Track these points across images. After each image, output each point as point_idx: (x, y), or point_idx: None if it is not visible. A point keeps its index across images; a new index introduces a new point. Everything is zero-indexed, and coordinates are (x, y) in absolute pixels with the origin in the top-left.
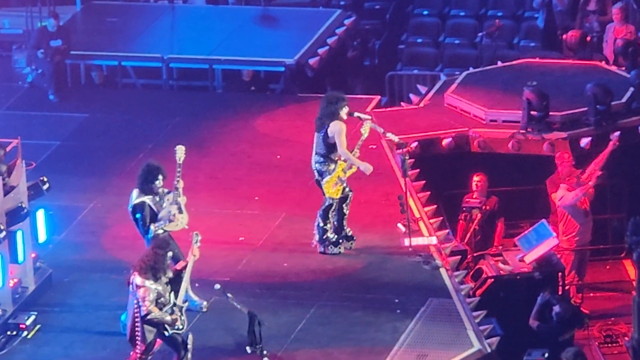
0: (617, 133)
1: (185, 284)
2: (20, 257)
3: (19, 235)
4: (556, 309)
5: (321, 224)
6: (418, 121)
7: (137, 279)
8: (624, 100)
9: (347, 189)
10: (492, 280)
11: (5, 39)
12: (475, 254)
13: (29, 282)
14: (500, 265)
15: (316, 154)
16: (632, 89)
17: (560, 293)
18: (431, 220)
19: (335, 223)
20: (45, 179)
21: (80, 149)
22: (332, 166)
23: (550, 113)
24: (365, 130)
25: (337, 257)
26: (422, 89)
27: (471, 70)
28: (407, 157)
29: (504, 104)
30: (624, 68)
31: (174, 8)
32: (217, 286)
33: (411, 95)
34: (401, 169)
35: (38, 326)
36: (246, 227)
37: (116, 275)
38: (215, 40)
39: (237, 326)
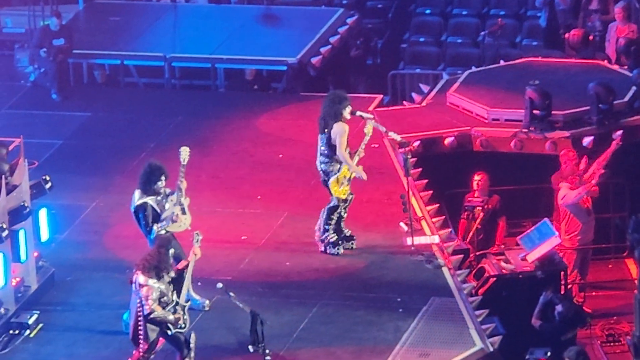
0: (620, 132)
1: (187, 282)
2: (23, 256)
3: (21, 234)
4: (558, 308)
5: (324, 223)
6: (420, 120)
7: (140, 278)
8: (626, 99)
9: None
10: (495, 279)
11: (7, 38)
12: (477, 253)
13: (32, 281)
14: (503, 264)
15: (321, 154)
16: (634, 87)
17: (562, 292)
18: (433, 219)
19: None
20: (48, 178)
21: (82, 148)
22: (337, 166)
23: (553, 112)
24: (368, 130)
25: (339, 256)
26: (425, 88)
27: (473, 69)
28: (409, 156)
29: (507, 103)
30: (626, 67)
31: (177, 7)
32: (220, 285)
33: (413, 94)
34: (403, 168)
35: (40, 325)
36: (248, 226)
37: (119, 274)
38: (217, 39)
39: (239, 325)
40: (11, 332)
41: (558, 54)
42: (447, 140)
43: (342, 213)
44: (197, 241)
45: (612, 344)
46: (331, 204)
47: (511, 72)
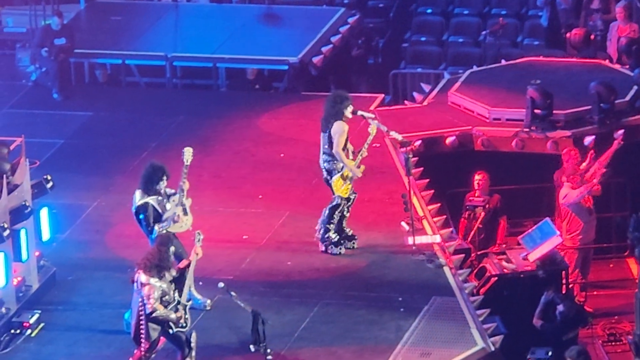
0: (621, 131)
1: (188, 282)
2: (24, 256)
3: (22, 233)
4: (560, 308)
5: (325, 222)
6: (422, 119)
7: (141, 277)
8: (627, 98)
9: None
10: (496, 278)
11: (9, 38)
12: (478, 253)
13: (33, 281)
14: (504, 263)
15: (323, 153)
16: (635, 87)
17: (564, 292)
18: (435, 219)
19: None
20: (49, 178)
21: (84, 148)
22: (341, 165)
23: (554, 111)
24: (372, 130)
25: (340, 255)
26: (426, 87)
27: (475, 68)
28: (410, 156)
29: (508, 102)
30: (627, 66)
31: (178, 6)
32: (221, 284)
33: (415, 94)
34: (405, 168)
35: (42, 324)
36: (250, 226)
37: (120, 274)
38: (219, 38)
39: (240, 324)
40: (12, 331)
41: (559, 53)
42: (449, 140)
43: (345, 212)
44: (199, 240)
45: (613, 343)
46: (333, 203)
47: (512, 71)
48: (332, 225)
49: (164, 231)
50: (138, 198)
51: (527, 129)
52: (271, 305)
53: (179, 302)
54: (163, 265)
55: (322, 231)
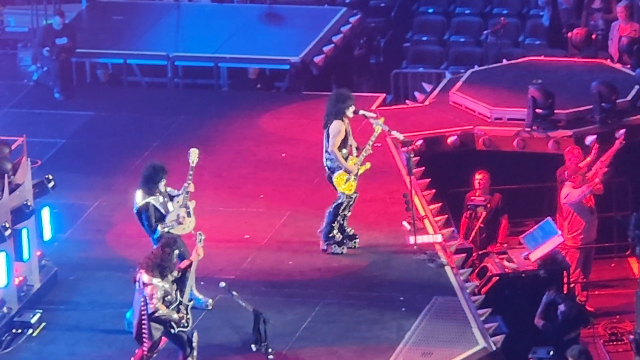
0: (623, 131)
1: (190, 282)
2: (26, 255)
3: (24, 233)
4: (561, 307)
5: (329, 221)
6: (423, 119)
7: (144, 277)
8: (629, 98)
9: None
10: (497, 278)
11: (10, 37)
12: (480, 252)
13: (34, 280)
14: (506, 263)
15: (326, 151)
16: (637, 86)
17: (565, 291)
18: (436, 218)
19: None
20: (51, 177)
21: (85, 147)
22: None
23: (556, 111)
24: (377, 129)
25: (342, 255)
26: (427, 86)
27: (476, 68)
28: (412, 155)
29: (509, 101)
30: (629, 66)
31: (179, 6)
32: (222, 284)
33: (416, 93)
34: (406, 167)
35: (43, 324)
36: (251, 225)
37: (121, 273)
38: (220, 38)
39: (242, 324)
40: (14, 331)
41: (561, 52)
42: (450, 139)
43: (346, 212)
44: (200, 241)
45: (614, 343)
46: (338, 201)
47: (514, 71)
48: (336, 224)
49: (167, 231)
50: (139, 198)
51: (529, 129)
52: (272, 305)
53: (180, 302)
54: (165, 266)
55: (325, 230)
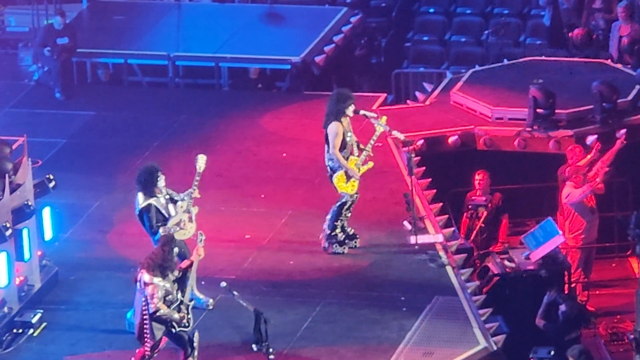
0: (623, 131)
1: (191, 281)
2: (27, 255)
3: (25, 233)
4: (562, 308)
5: (333, 220)
6: (424, 119)
7: (145, 277)
8: (630, 98)
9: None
10: (498, 278)
11: (11, 37)
12: (481, 252)
13: (35, 280)
14: (507, 263)
15: (327, 151)
16: (638, 86)
17: (566, 291)
18: (437, 218)
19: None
20: (52, 177)
21: (86, 147)
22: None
23: (556, 111)
24: (378, 130)
25: (342, 255)
26: (428, 86)
27: (477, 68)
28: (413, 155)
29: (510, 101)
30: (629, 66)
31: (180, 6)
32: (223, 284)
33: (417, 93)
34: (407, 167)
35: (44, 324)
36: (252, 225)
37: (122, 273)
38: (221, 38)
39: (243, 324)
40: (15, 330)
41: (562, 52)
42: (451, 139)
43: (347, 213)
44: (201, 241)
45: (616, 342)
46: (342, 201)
47: (515, 71)
48: (339, 223)
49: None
50: (141, 200)
51: (530, 129)
52: (273, 305)
53: (181, 302)
54: (166, 265)
55: (328, 229)
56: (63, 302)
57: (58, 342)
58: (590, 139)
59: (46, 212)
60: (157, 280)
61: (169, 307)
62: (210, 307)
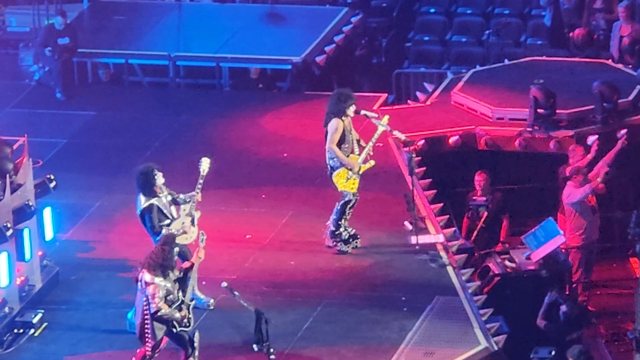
0: (624, 131)
1: (192, 281)
2: (27, 255)
3: (25, 233)
4: (563, 308)
5: (336, 219)
6: (425, 119)
7: (146, 276)
8: (630, 98)
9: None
10: (499, 278)
11: (12, 37)
12: (482, 252)
13: (36, 280)
14: (507, 263)
15: (327, 150)
16: (638, 86)
17: (567, 291)
18: (438, 218)
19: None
20: (52, 177)
21: (87, 147)
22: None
23: (557, 111)
24: (379, 129)
25: (344, 255)
26: (429, 87)
27: (478, 68)
28: (413, 155)
29: (511, 102)
30: (630, 66)
31: (181, 6)
32: (224, 284)
33: (418, 93)
34: (408, 167)
35: (45, 324)
36: (253, 225)
37: (123, 273)
38: (222, 38)
39: (243, 324)
40: (16, 331)
41: (562, 52)
42: (452, 139)
43: (349, 212)
44: (202, 241)
45: (616, 343)
46: (345, 199)
47: (515, 71)
48: (343, 222)
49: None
50: (143, 201)
51: (530, 129)
52: (274, 305)
53: (182, 302)
54: (167, 265)
55: (332, 228)
56: (64, 302)
57: (59, 342)
58: (591, 139)
59: (47, 212)
60: (158, 280)
61: (170, 306)
62: (211, 307)
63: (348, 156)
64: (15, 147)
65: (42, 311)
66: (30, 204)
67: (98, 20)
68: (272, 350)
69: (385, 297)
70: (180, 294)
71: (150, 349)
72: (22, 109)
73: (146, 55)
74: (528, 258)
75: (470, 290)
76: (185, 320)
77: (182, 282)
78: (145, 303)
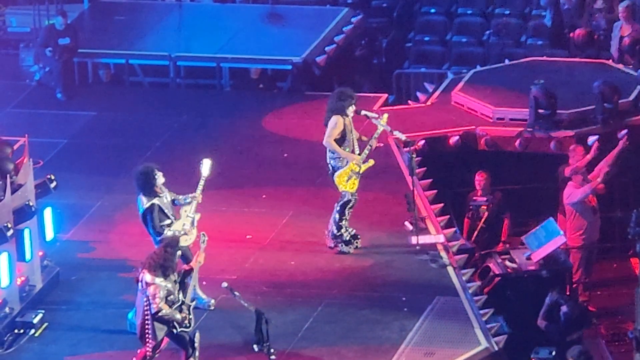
0: (625, 131)
1: (193, 282)
2: (28, 255)
3: (26, 233)
4: (564, 309)
5: (337, 219)
6: (425, 119)
7: (146, 277)
8: (631, 98)
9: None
10: (499, 278)
11: (12, 37)
12: (482, 252)
13: (37, 280)
14: (508, 263)
15: (328, 150)
16: (639, 87)
17: (568, 292)
18: (438, 218)
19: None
20: (53, 177)
21: (87, 147)
22: (345, 161)
23: (558, 111)
24: (379, 129)
25: (344, 255)
26: (430, 87)
27: (478, 68)
28: (414, 155)
29: (511, 102)
30: (631, 66)
31: (182, 6)
32: (225, 284)
33: (418, 94)
34: (408, 167)
35: (45, 324)
36: (253, 225)
37: (123, 273)
38: (222, 38)
39: (244, 324)
40: (16, 331)
41: (563, 53)
42: (452, 140)
43: (349, 212)
44: (203, 242)
45: (617, 343)
46: (344, 200)
47: (516, 71)
48: (344, 222)
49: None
50: (145, 202)
51: (531, 129)
52: (275, 305)
53: (183, 302)
54: (168, 266)
55: (333, 228)
56: (64, 302)
57: (59, 343)
58: (592, 139)
59: (47, 213)
60: (159, 280)
61: (170, 307)
62: (212, 308)
63: None
64: (15, 147)
65: (43, 311)
66: (31, 204)
67: (99, 20)
68: (272, 350)
69: (385, 298)
70: (181, 294)
71: (150, 350)
72: (23, 109)
73: (147, 56)
74: (529, 258)
75: (470, 291)
76: (186, 321)
77: (183, 282)
78: (146, 303)
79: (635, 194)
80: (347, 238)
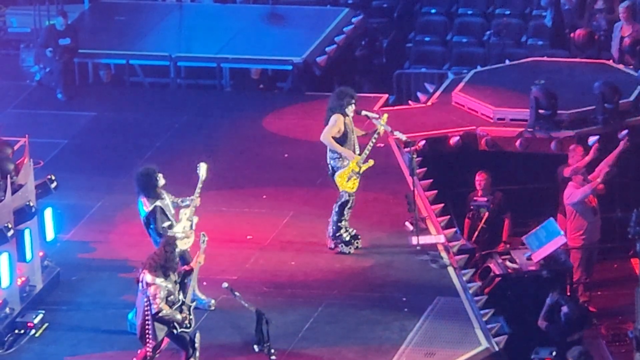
0: (625, 131)
1: (193, 282)
2: (28, 256)
3: (26, 233)
4: (564, 309)
5: (336, 220)
6: (426, 120)
7: (147, 277)
8: (632, 98)
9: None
10: (500, 278)
11: (13, 38)
12: (483, 253)
13: (37, 281)
14: (508, 263)
15: (329, 150)
16: (639, 87)
17: (568, 292)
18: (439, 219)
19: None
20: (53, 178)
21: (88, 148)
22: (346, 162)
23: (558, 111)
24: (379, 129)
25: (345, 255)
26: (430, 87)
27: (479, 68)
28: (414, 156)
29: (512, 102)
30: (631, 66)
31: (182, 6)
32: (225, 284)
33: (419, 94)
34: (409, 168)
35: (45, 325)
36: (254, 226)
37: (124, 274)
38: (223, 38)
39: (244, 324)
40: (16, 331)
41: (563, 53)
42: (453, 140)
43: (348, 212)
44: (203, 242)
45: (617, 343)
46: (342, 200)
47: (516, 71)
48: (343, 223)
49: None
50: (147, 204)
51: (531, 129)
52: (275, 305)
53: (183, 303)
54: (168, 266)
55: (333, 229)
56: (64, 302)
57: (59, 343)
58: (592, 139)
59: (48, 213)
60: (160, 280)
61: (171, 307)
62: (212, 308)
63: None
64: (16, 147)
65: (43, 312)
66: (31, 204)
67: (99, 20)
68: (272, 350)
69: (386, 298)
70: (181, 295)
71: (151, 350)
72: (23, 109)
73: (147, 56)
74: (529, 258)
75: (471, 291)
76: (187, 321)
77: (183, 283)
78: (146, 304)
79: (635, 194)
80: (347, 238)
